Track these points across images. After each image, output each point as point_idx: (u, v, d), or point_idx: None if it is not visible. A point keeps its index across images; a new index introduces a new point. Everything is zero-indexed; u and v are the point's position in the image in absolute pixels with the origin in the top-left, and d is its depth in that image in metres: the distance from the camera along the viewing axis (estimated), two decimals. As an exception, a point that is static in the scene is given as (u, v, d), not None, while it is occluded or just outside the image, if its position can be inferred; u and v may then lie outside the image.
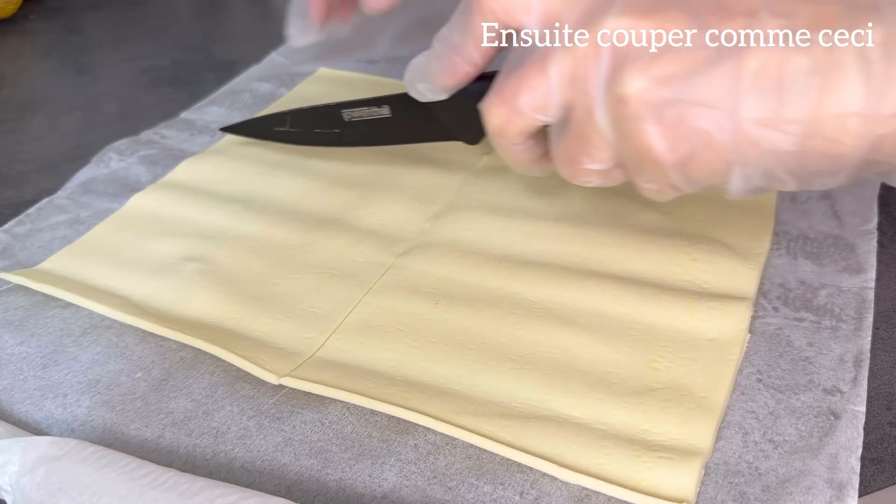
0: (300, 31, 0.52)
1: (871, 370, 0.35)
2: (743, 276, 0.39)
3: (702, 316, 0.37)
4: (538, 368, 0.35)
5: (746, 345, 0.36)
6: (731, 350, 0.35)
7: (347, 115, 0.45)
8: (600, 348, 0.36)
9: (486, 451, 0.32)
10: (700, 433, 0.32)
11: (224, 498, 0.28)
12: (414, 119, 0.42)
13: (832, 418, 0.32)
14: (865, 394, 0.33)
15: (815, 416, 0.33)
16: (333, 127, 0.46)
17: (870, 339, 0.36)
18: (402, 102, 0.42)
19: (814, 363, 0.35)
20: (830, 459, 0.31)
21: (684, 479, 0.30)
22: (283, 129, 0.48)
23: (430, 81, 0.37)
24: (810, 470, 0.30)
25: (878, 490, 0.32)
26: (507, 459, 0.31)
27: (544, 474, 0.31)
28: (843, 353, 0.35)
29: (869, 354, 0.35)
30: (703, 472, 0.31)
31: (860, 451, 0.31)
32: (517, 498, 0.30)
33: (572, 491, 0.30)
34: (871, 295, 0.38)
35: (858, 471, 0.30)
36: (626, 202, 0.44)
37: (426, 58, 0.37)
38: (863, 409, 0.33)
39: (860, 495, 0.30)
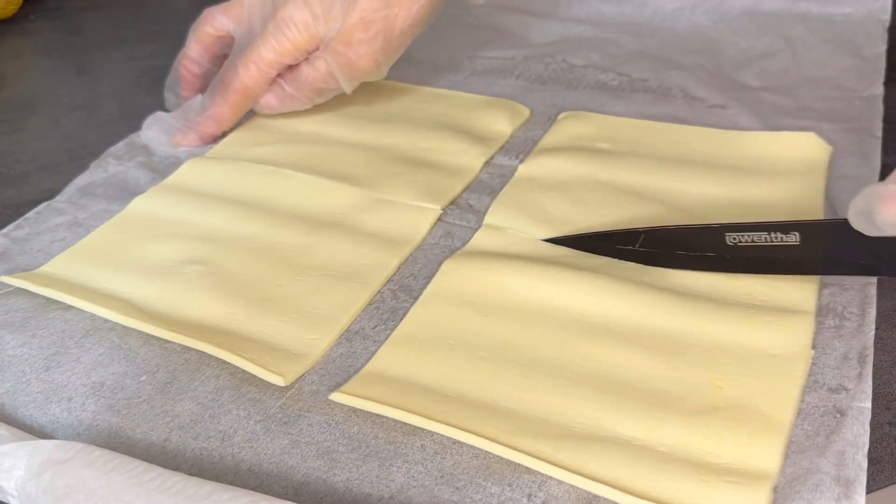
0: (163, 142, 0.53)
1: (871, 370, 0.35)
2: (801, 290, 0.38)
3: (762, 331, 0.36)
4: (592, 386, 0.34)
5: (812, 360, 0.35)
6: (796, 366, 0.34)
7: (732, 238, 0.38)
8: (656, 365, 0.35)
9: (492, 452, 0.32)
10: (768, 455, 0.31)
11: (233, 501, 0.28)
12: (833, 250, 0.37)
13: (838, 416, 0.32)
14: (871, 389, 0.33)
15: (822, 416, 0.32)
16: (707, 250, 0.39)
17: (873, 333, 0.36)
18: (819, 230, 0.38)
19: (818, 364, 0.35)
20: (837, 457, 0.31)
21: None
22: (629, 248, 0.41)
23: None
24: (818, 468, 0.30)
25: (878, 490, 0.32)
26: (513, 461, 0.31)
27: (552, 477, 0.30)
28: (847, 350, 0.35)
29: (873, 349, 0.35)
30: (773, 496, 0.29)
31: (867, 447, 0.31)
32: (525, 500, 0.30)
33: (580, 494, 0.30)
34: (873, 290, 0.38)
35: (866, 467, 0.30)
36: (679, 215, 0.43)
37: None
38: (868, 405, 0.33)
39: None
